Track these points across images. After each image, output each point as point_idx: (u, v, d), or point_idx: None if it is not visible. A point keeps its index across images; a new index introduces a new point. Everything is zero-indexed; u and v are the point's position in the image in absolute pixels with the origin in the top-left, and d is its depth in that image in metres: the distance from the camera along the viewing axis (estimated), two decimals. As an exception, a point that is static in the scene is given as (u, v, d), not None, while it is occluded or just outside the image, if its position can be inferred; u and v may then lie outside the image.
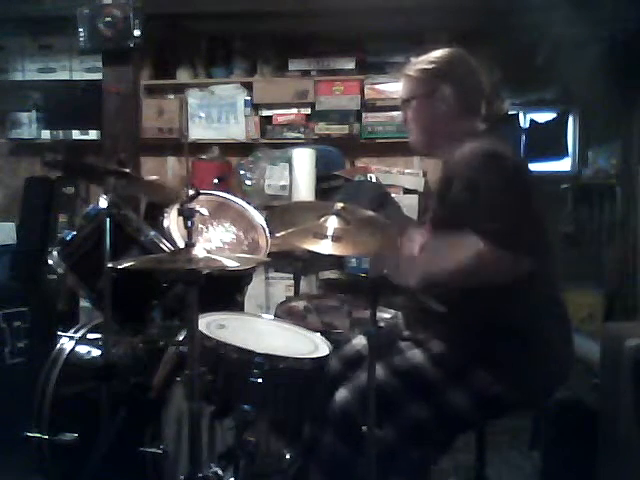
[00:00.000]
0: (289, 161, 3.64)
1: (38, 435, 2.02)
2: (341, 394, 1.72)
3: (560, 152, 4.15)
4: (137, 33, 3.04)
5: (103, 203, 1.91)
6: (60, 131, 3.95)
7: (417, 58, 1.89)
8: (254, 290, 3.39)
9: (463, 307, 1.59)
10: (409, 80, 1.86)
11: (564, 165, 4.18)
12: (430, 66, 1.82)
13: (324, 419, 1.72)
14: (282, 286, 3.59)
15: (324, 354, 1.79)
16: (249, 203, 2.49)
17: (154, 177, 2.31)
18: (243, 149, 3.87)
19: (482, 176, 1.58)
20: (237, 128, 3.83)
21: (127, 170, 2.06)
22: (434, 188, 1.72)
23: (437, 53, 1.85)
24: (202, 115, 3.85)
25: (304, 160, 3.60)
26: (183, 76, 3.95)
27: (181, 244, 2.03)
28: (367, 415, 1.53)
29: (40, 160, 1.91)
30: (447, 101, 1.79)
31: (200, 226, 2.18)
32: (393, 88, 3.70)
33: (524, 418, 2.80)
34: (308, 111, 3.80)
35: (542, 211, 1.69)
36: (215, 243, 2.21)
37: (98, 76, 3.43)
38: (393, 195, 3.13)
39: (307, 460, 1.78)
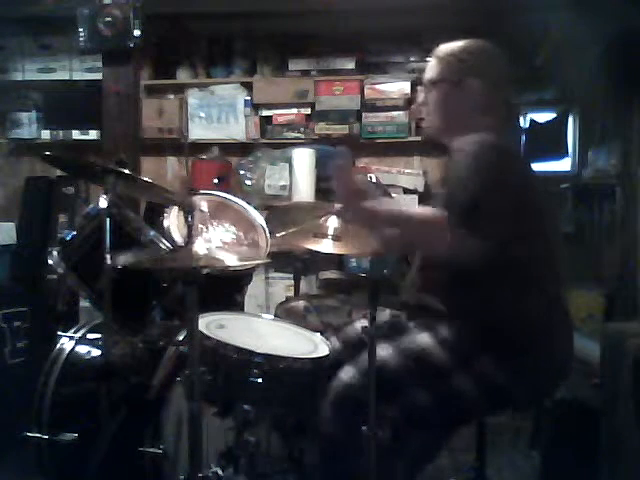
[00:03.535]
0: (289, 161, 3.64)
1: (38, 435, 2.02)
2: (347, 372, 1.69)
3: (560, 152, 4.15)
4: (137, 33, 3.04)
5: (103, 203, 1.91)
6: (60, 131, 3.95)
7: (448, 43, 1.83)
8: (254, 290, 3.40)
9: (465, 302, 1.58)
10: (439, 62, 1.81)
11: (564, 165, 4.17)
12: (463, 55, 1.78)
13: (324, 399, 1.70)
14: (282, 286, 3.60)
15: (324, 354, 1.79)
16: (249, 203, 2.49)
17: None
18: (243, 149, 3.87)
19: (471, 163, 1.57)
20: (237, 128, 3.83)
21: (127, 170, 2.06)
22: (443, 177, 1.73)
23: (470, 43, 1.80)
24: (202, 115, 3.85)
25: (304, 160, 3.60)
26: (183, 76, 3.95)
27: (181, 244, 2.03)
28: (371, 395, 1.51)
29: (39, 155, 1.92)
30: (473, 94, 1.75)
31: (200, 226, 2.18)
32: (393, 88, 3.70)
33: (524, 418, 2.81)
34: (308, 111, 3.80)
35: (539, 210, 1.68)
36: (215, 243, 2.21)
37: (98, 76, 3.43)
38: (393, 195, 3.12)
39: (306, 460, 1.78)
